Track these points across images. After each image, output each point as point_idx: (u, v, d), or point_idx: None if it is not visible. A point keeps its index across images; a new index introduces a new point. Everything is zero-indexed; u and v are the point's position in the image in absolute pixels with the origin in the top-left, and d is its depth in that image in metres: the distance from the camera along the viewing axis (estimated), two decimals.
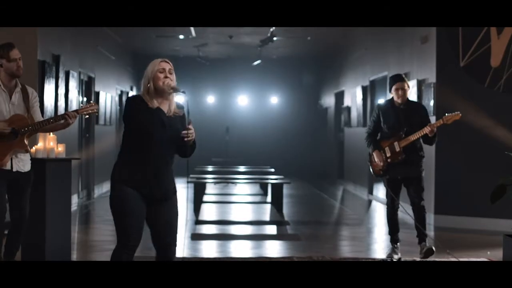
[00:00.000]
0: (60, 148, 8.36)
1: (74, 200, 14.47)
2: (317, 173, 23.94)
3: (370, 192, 16.91)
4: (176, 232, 5.65)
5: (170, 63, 5.60)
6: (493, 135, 10.87)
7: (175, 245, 5.64)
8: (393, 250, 8.91)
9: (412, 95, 12.82)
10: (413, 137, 8.64)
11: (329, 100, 23.34)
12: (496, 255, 9.11)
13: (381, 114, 8.90)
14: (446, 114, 8.60)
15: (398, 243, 8.96)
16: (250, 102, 25.93)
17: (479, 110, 11.02)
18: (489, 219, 11.17)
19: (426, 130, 8.52)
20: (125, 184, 5.44)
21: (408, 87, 8.83)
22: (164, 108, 5.51)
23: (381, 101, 14.06)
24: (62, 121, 7.12)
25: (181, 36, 19.37)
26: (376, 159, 8.88)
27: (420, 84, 12.67)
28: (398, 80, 8.80)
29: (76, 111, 7.25)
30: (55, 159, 8.31)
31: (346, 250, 10.08)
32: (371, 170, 9.10)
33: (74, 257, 8.92)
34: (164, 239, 5.58)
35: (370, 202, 16.20)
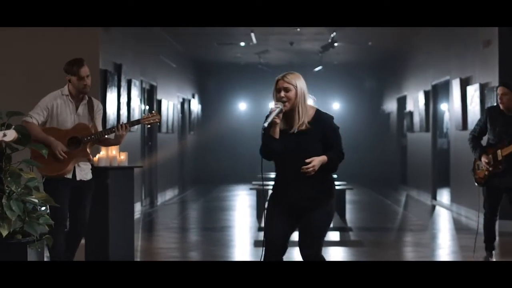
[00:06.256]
0: (123, 157, 8.45)
1: (137, 208, 14.59)
2: (379, 179, 23.76)
3: (434, 197, 16.73)
4: (317, 238, 5.72)
5: (286, 80, 6.10)
6: None
7: (314, 250, 5.70)
8: (489, 257, 8.56)
9: (475, 99, 12.67)
10: None
11: (391, 105, 23.18)
12: None
13: (488, 119, 8.44)
14: None
15: (494, 251, 8.60)
16: None
17: None
18: None
19: None
20: (270, 201, 5.79)
21: None
22: (286, 125, 5.79)
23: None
24: (124, 133, 7.14)
25: (242, 43, 19.40)
26: (480, 166, 8.47)
27: (482, 88, 12.51)
28: (500, 84, 8.44)
29: (138, 120, 7.35)
30: (117, 167, 8.40)
31: (411, 256, 9.99)
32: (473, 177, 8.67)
33: None
34: (303, 244, 5.70)
35: (433, 207, 16.02)
